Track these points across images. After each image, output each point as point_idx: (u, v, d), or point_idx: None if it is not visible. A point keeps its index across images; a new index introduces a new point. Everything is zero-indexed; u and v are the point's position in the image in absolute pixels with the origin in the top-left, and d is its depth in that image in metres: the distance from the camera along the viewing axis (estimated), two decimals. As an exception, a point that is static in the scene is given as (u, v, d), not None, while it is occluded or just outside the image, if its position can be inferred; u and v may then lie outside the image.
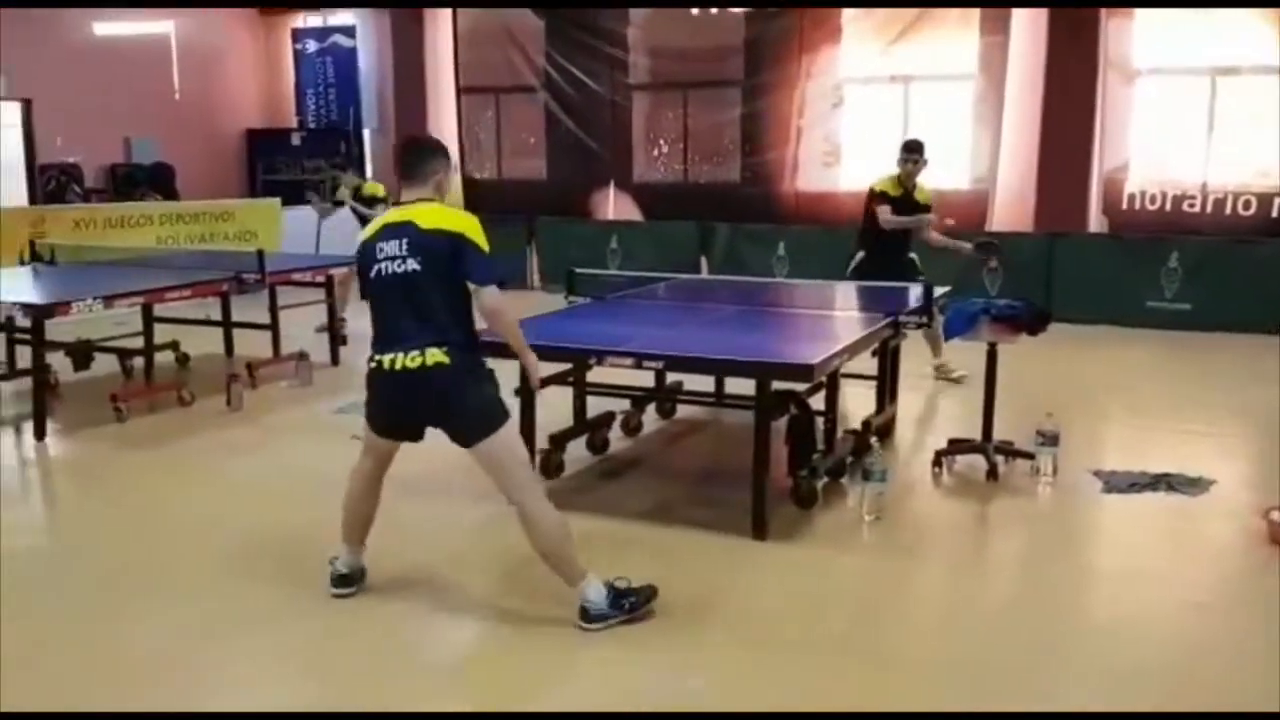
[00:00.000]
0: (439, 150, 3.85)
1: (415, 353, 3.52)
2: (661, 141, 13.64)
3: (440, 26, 14.18)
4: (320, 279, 8.22)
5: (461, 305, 3.63)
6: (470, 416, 3.62)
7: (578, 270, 6.41)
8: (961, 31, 11.53)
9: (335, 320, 8.31)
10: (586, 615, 3.61)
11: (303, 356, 7.59)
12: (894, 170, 7.40)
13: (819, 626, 3.80)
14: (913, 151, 7.31)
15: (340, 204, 9.60)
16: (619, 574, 3.73)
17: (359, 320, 9.01)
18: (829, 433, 5.23)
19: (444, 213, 3.65)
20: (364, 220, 9.32)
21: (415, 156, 3.79)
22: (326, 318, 8.40)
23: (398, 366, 3.54)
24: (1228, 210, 10.58)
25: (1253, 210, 10.48)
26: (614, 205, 13.47)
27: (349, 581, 3.91)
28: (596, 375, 5.53)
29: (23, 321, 6.14)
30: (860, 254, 7.42)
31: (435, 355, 3.52)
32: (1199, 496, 5.12)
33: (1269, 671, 3.44)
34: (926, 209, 7.39)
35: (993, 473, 5.33)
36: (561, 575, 3.65)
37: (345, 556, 3.93)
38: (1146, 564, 4.44)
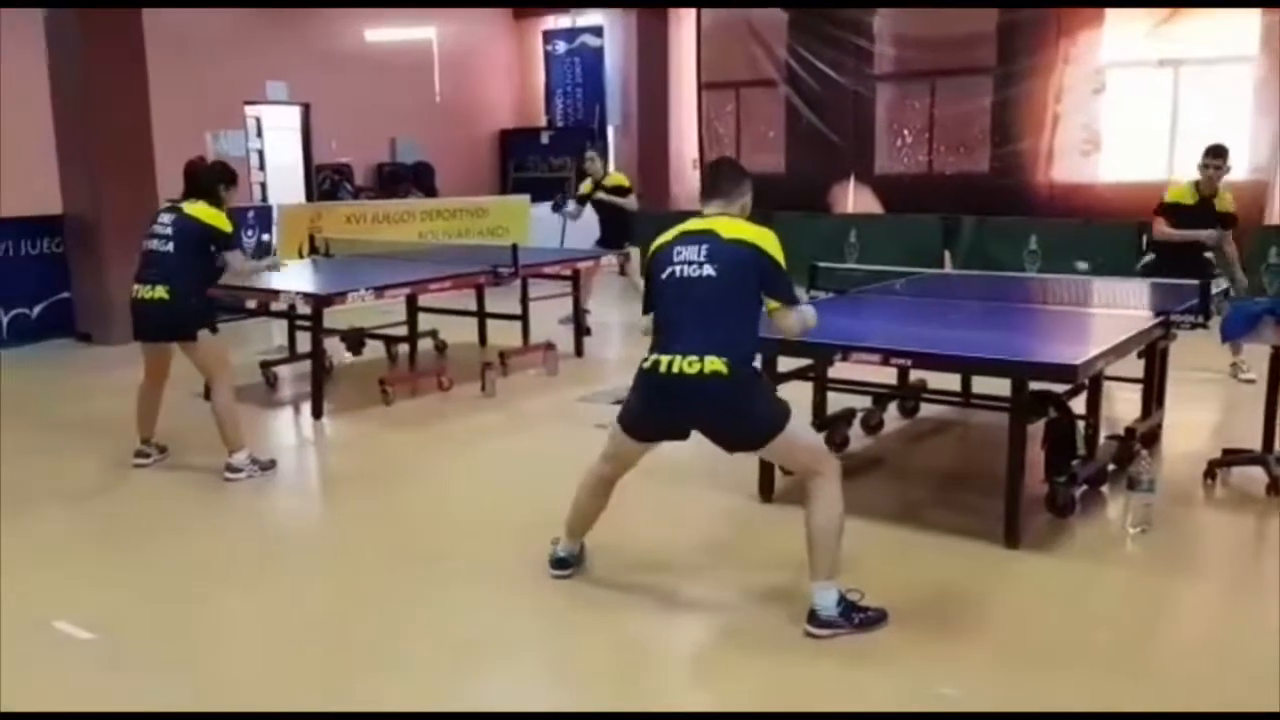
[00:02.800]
0: (744, 174, 3.90)
1: (694, 358, 3.50)
2: (905, 132, 13.33)
3: (684, 24, 14.38)
4: (567, 272, 8.50)
5: (749, 317, 3.63)
6: (750, 427, 3.63)
7: (820, 264, 6.35)
8: (1240, 10, 10.65)
9: (580, 312, 8.58)
10: (815, 619, 3.57)
11: (550, 347, 7.87)
12: (1193, 175, 6.99)
13: (1078, 640, 3.60)
14: (1214, 157, 6.86)
15: (586, 199, 9.75)
16: (860, 577, 3.68)
17: (603, 312, 9.36)
18: (1090, 438, 4.96)
19: (747, 226, 3.69)
20: (614, 210, 9.52)
21: (729, 177, 3.85)
22: (572, 310, 8.68)
23: (675, 370, 3.53)
24: None
25: None
26: (853, 199, 13.26)
27: (567, 564, 4.04)
28: (836, 371, 5.45)
29: (303, 309, 6.65)
30: (1150, 255, 7.18)
31: (715, 364, 3.49)
32: None
33: None
34: (1228, 219, 6.93)
35: (1274, 486, 4.91)
36: (814, 563, 3.61)
37: (566, 543, 4.06)
38: None
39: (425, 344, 8.08)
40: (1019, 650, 3.54)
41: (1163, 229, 6.96)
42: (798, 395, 5.36)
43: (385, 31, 14.45)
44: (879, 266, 7.68)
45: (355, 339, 7.72)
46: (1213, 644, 3.68)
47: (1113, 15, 11.37)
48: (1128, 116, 11.50)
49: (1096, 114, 11.75)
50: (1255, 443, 5.12)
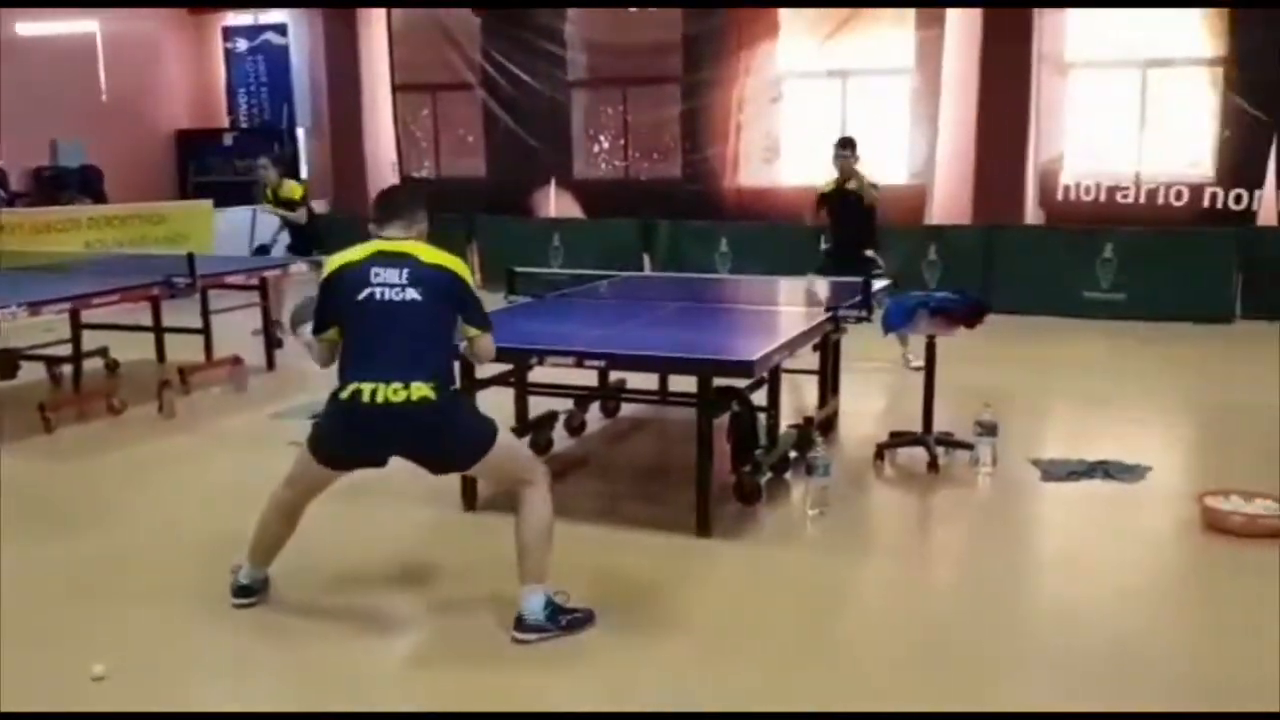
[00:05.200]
0: (425, 199, 3.80)
1: (399, 385, 3.40)
2: (602, 138, 13.61)
3: (374, 24, 14.02)
4: (254, 281, 8.06)
5: (448, 342, 3.62)
6: (460, 449, 3.59)
7: (518, 269, 6.34)
8: (897, 26, 11.64)
9: (270, 324, 8.16)
10: (521, 624, 3.54)
11: (237, 361, 7.43)
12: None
13: (765, 622, 3.78)
14: (842, 147, 7.67)
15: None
16: (566, 578, 3.68)
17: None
18: (772, 428, 5.22)
19: (440, 252, 3.63)
20: (284, 223, 9.36)
21: (409, 201, 3.75)
22: (262, 321, 8.23)
23: (380, 399, 3.39)
24: (1160, 201, 10.80)
25: (1184, 200, 10.70)
26: (555, 203, 13.40)
27: (251, 592, 3.82)
28: (538, 375, 5.47)
29: (-61, 332, 5.93)
30: (826, 245, 8.03)
31: (422, 390, 3.40)
32: (1135, 484, 5.19)
33: (1204, 655, 3.51)
34: (860, 201, 7.65)
35: (933, 464, 5.36)
36: (524, 569, 3.57)
37: (249, 570, 3.83)
38: (1085, 552, 4.48)
39: (96, 364, 7.41)
40: (710, 635, 3.66)
41: (817, 217, 7.90)
42: (501, 401, 5.37)
43: (40, 25, 13.17)
44: (581, 270, 7.81)
45: (5, 361, 6.97)
46: (884, 614, 3.95)
47: (787, 28, 12.08)
48: (803, 124, 12.26)
49: (776, 122, 12.45)
50: (918, 425, 5.57)
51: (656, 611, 3.83)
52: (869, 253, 7.60)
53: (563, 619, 3.57)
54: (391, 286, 3.49)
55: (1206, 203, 10.60)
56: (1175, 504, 4.83)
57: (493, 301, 6.12)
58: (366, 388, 3.42)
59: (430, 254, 3.59)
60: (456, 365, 4.33)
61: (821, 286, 6.44)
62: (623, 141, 13.40)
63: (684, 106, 12.74)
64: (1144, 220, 10.61)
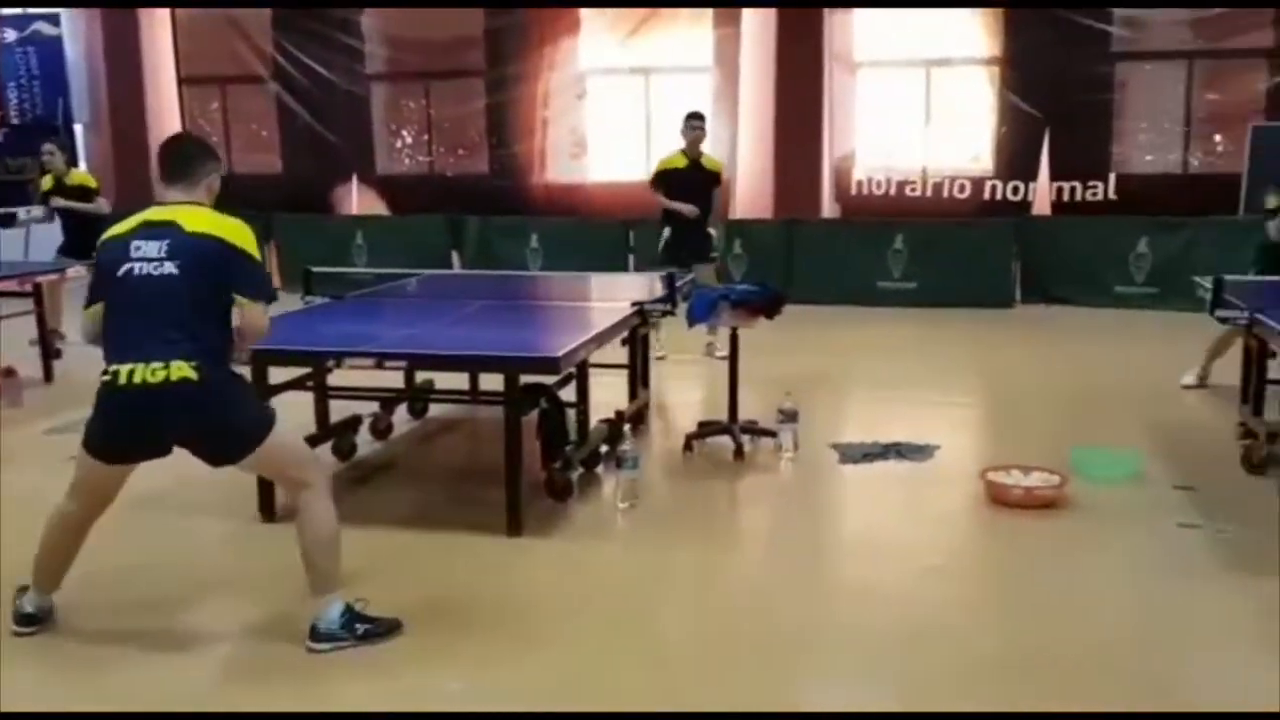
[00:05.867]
0: (210, 151, 3.57)
1: (159, 364, 3.19)
2: (405, 133, 13.34)
3: (156, 14, 13.28)
4: (27, 287, 7.50)
5: (216, 317, 3.36)
6: (229, 437, 3.36)
7: (316, 269, 6.14)
8: (696, 25, 11.85)
9: (46, 332, 7.61)
10: (316, 634, 3.42)
11: (9, 373, 6.90)
12: (678, 145, 7.90)
13: (578, 618, 3.77)
14: (696, 119, 7.82)
15: (47, 197, 8.73)
16: (372, 586, 3.59)
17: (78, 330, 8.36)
18: (582, 424, 5.23)
19: (213, 217, 3.38)
20: (79, 215, 8.60)
21: (185, 156, 3.50)
22: (38, 330, 7.67)
23: (137, 380, 3.19)
24: (945, 194, 11.39)
25: (967, 193, 11.33)
26: (358, 200, 13.04)
27: (34, 620, 3.55)
28: (342, 379, 5.29)
29: None
30: (666, 231, 7.88)
31: (182, 369, 3.20)
32: (925, 462, 5.46)
33: (989, 624, 3.72)
34: (715, 177, 7.90)
35: (739, 452, 5.49)
36: (312, 580, 3.45)
37: (33, 596, 3.57)
38: (881, 530, 4.68)
39: None
40: (524, 635, 3.62)
41: (661, 200, 7.77)
42: (303, 404, 5.18)
43: None
44: (385, 269, 7.61)
45: None
46: (696, 602, 4.00)
47: (588, 25, 12.12)
48: (609, 121, 12.35)
49: (582, 119, 12.48)
50: (725, 414, 5.69)
51: (465, 614, 3.77)
52: (711, 230, 7.82)
53: (359, 627, 3.46)
54: (150, 261, 3.29)
55: (987, 195, 11.26)
56: (962, 480, 5.10)
57: (290, 304, 5.94)
58: (124, 369, 3.23)
59: (198, 220, 3.35)
60: (250, 368, 4.17)
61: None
62: (427, 136, 13.17)
63: (489, 101, 12.61)
64: (931, 213, 11.18)
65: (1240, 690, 3.22)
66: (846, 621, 3.75)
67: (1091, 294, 10.26)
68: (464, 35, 12.47)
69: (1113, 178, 10.89)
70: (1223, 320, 5.35)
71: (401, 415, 6.22)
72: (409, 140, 13.30)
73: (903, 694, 3.24)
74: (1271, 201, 6.66)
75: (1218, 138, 11.16)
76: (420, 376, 6.08)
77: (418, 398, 6.26)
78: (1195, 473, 5.13)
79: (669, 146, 8.15)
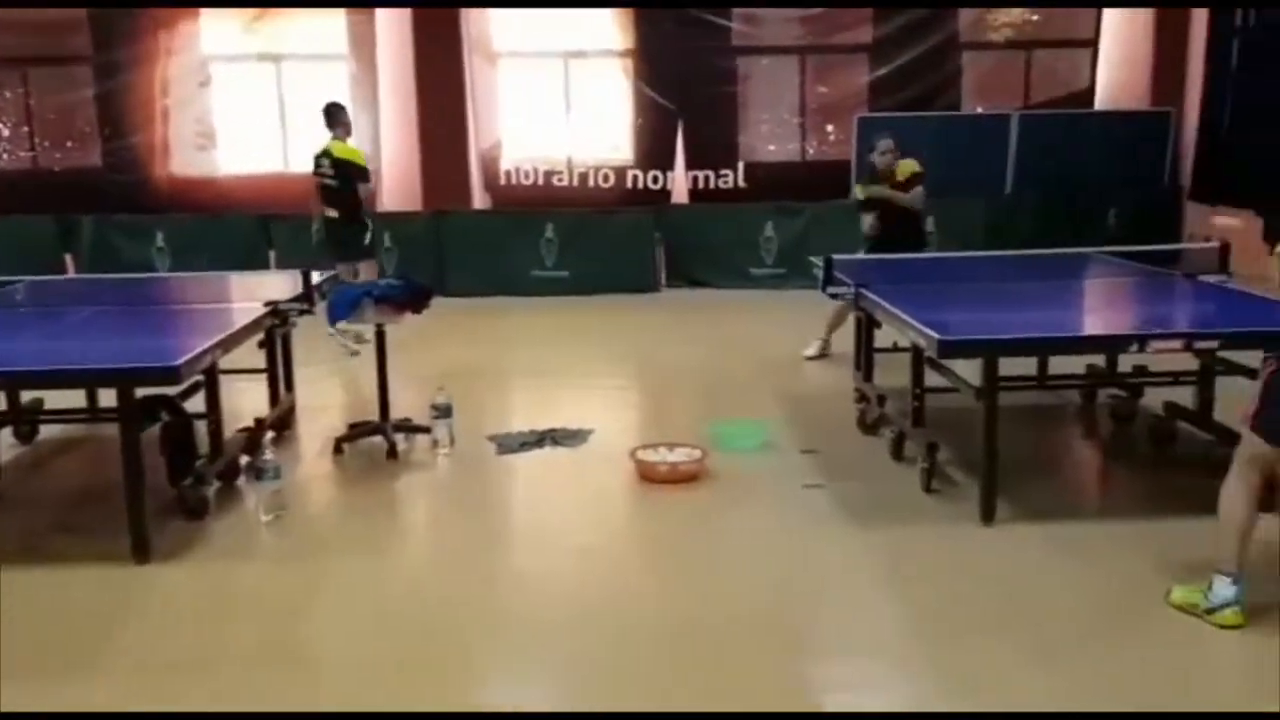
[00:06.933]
0: None
1: None
2: (2, 126, 11.91)
3: None
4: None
5: None
6: None
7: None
8: (326, 12, 11.38)
9: None
10: None
11: None
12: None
13: (220, 643, 3.50)
14: (337, 111, 8.03)
15: None
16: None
17: None
18: (214, 434, 4.86)
19: None
20: None
21: None
22: None
23: None
24: (591, 184, 11.66)
25: (612, 183, 11.66)
26: (-55, 201, 11.48)
27: None
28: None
29: None
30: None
31: None
32: (580, 447, 5.54)
33: (649, 593, 3.84)
34: (353, 166, 8.01)
35: (392, 451, 5.34)
36: None
37: None
38: (539, 517, 4.72)
39: None
40: (153, 669, 3.31)
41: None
42: None
43: None
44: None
45: None
46: (353, 611, 3.81)
47: (207, 9, 11.35)
48: (239, 110, 11.63)
49: (208, 107, 11.68)
50: (376, 414, 5.51)
51: (82, 655, 3.39)
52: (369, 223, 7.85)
53: None
54: None
55: (630, 184, 11.64)
56: (615, 461, 5.22)
57: None
58: None
59: None
60: None
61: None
62: (27, 129, 11.83)
63: (98, 89, 11.51)
64: (579, 202, 11.41)
65: (866, 629, 3.52)
66: (510, 610, 3.73)
67: (729, 276, 10.87)
68: (64, 17, 11.28)
69: (741, 166, 11.61)
70: (834, 296, 5.82)
71: (6, 440, 5.55)
72: (5, 133, 11.90)
73: (569, 676, 3.27)
74: (858, 193, 7.34)
75: (830, 128, 12.19)
76: (32, 395, 5.46)
77: (22, 420, 5.58)
78: (818, 437, 5.56)
79: (314, 137, 7.96)
